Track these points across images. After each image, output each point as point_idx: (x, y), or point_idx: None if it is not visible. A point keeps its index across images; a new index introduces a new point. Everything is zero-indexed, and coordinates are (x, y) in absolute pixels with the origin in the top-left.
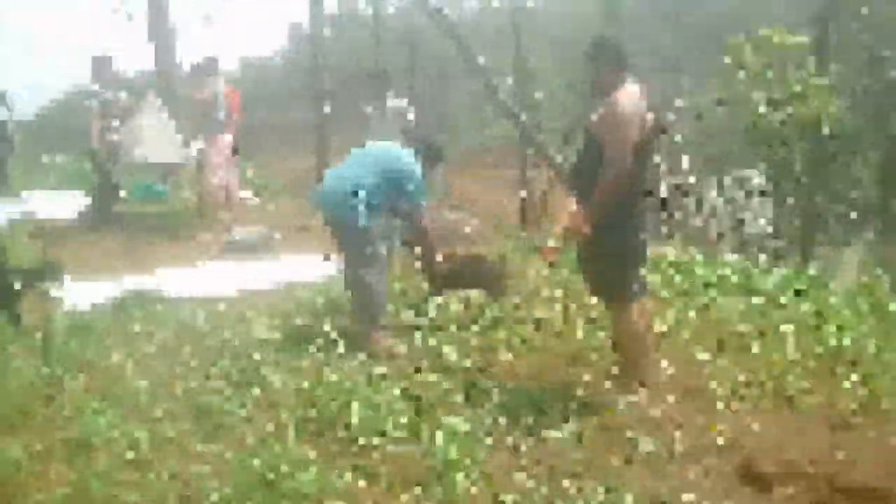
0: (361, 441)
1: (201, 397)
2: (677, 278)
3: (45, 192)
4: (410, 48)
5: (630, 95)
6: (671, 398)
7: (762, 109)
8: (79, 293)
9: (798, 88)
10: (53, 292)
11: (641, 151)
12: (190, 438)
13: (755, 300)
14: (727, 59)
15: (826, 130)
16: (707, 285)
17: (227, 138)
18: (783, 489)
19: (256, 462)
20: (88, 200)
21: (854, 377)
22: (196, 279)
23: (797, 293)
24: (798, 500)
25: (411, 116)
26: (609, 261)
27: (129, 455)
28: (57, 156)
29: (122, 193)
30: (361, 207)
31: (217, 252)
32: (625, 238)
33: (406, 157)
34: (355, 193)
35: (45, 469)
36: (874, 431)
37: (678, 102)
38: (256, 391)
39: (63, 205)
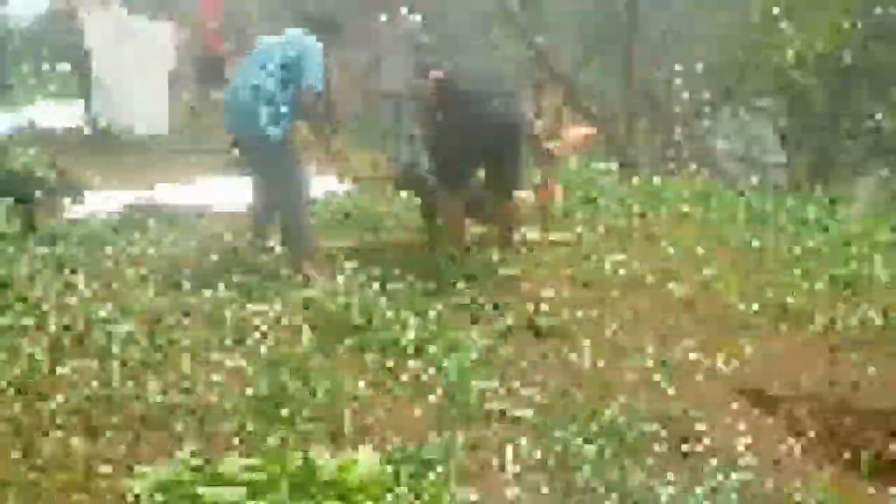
0: (375, 352)
1: (215, 307)
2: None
3: (46, 103)
4: None
5: None
6: (683, 319)
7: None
8: (87, 204)
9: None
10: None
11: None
12: (204, 347)
13: (764, 225)
14: None
15: (846, 60)
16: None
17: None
18: (789, 410)
19: (274, 371)
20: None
21: (860, 301)
22: (197, 194)
23: (805, 221)
24: (804, 422)
25: (425, 38)
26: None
27: (146, 360)
28: (58, 64)
29: None
30: (267, 117)
31: (217, 169)
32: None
33: (305, 39)
34: (260, 102)
35: (64, 372)
36: (876, 354)
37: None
38: (267, 303)
39: (64, 115)
